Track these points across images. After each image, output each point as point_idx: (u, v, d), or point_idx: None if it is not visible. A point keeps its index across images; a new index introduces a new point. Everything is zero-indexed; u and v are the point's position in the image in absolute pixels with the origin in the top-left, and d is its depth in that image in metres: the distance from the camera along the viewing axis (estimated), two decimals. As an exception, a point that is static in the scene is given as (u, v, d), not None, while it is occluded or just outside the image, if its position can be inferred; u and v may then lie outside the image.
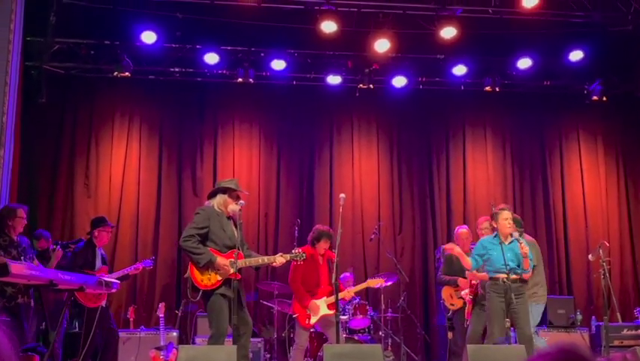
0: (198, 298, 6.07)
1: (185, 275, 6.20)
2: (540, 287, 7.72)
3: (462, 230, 8.35)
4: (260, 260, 6.35)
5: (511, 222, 7.07)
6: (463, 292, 7.89)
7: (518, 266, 6.92)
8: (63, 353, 7.50)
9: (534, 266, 7.24)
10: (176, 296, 9.80)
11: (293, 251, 6.50)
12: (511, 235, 7.01)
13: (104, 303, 7.45)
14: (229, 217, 6.27)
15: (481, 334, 7.35)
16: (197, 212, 6.27)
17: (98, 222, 7.82)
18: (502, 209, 7.14)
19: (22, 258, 6.42)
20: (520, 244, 6.90)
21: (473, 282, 7.65)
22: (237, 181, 6.52)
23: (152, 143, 10.40)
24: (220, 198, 6.27)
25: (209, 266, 5.98)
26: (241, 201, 6.27)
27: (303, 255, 6.48)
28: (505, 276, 6.86)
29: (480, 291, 7.47)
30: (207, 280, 6.00)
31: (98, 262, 7.65)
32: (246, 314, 6.19)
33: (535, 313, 7.52)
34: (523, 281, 6.97)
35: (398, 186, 10.90)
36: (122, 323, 9.28)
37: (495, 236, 7.09)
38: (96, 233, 7.71)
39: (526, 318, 6.88)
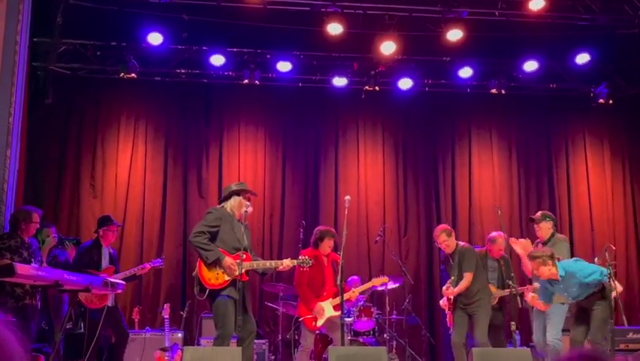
0: (205, 297, 6.08)
1: (193, 273, 6.22)
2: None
3: (497, 235, 8.07)
4: (267, 264, 6.37)
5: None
6: (441, 302, 7.93)
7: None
8: (66, 353, 7.50)
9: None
10: (182, 297, 9.81)
11: (300, 257, 6.51)
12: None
13: (109, 303, 7.42)
14: (239, 220, 6.29)
15: (465, 337, 7.29)
16: (210, 211, 6.32)
17: (104, 222, 7.84)
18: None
19: (32, 260, 6.44)
20: None
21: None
22: (246, 184, 6.59)
23: (157, 144, 10.41)
24: (235, 201, 6.31)
25: (217, 264, 5.99)
26: (248, 203, 6.32)
27: (310, 261, 6.49)
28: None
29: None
30: (215, 279, 6.01)
31: (105, 262, 7.64)
32: (251, 317, 6.19)
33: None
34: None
35: (403, 189, 10.89)
36: (128, 324, 9.28)
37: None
38: (101, 233, 7.72)
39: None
